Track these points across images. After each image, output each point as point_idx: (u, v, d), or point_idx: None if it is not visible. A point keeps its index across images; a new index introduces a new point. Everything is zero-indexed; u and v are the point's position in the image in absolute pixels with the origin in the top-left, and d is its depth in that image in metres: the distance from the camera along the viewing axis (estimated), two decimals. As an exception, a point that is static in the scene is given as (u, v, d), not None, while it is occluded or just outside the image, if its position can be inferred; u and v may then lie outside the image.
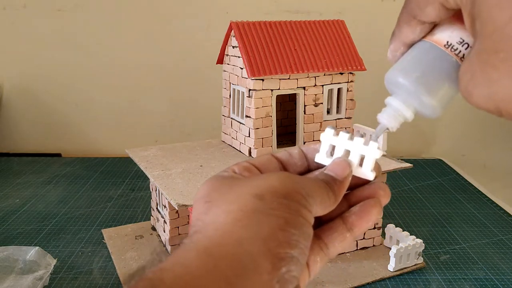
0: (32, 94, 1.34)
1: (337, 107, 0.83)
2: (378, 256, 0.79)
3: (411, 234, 0.78)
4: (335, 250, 0.31)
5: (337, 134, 0.32)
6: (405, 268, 0.75)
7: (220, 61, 0.85)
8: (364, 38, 1.00)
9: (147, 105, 1.35)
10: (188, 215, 0.76)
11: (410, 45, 0.33)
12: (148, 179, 0.75)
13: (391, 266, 0.74)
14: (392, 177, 1.14)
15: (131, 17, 1.28)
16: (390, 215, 0.96)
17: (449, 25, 0.31)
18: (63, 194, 1.06)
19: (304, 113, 0.79)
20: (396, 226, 0.80)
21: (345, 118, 0.83)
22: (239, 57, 0.77)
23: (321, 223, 0.32)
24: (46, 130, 1.37)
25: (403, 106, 0.33)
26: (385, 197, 0.32)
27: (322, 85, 0.80)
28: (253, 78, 0.74)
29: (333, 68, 0.79)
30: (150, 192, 0.87)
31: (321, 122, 0.81)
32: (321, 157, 0.32)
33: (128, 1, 1.27)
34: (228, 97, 0.84)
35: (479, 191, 1.10)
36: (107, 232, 0.87)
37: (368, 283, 0.72)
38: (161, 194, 0.78)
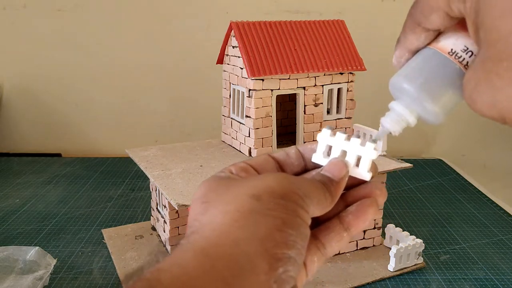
0: (32, 94, 1.34)
1: (337, 107, 0.83)
2: (378, 256, 0.79)
3: (411, 234, 0.78)
4: (332, 250, 0.31)
5: (334, 134, 0.32)
6: (405, 268, 0.75)
7: (220, 61, 0.85)
8: (364, 38, 1.00)
9: (147, 105, 1.35)
10: (188, 215, 0.76)
11: (415, 52, 0.34)
12: (148, 179, 0.75)
13: (391, 266, 0.74)
14: (392, 177, 1.14)
15: (131, 17, 1.28)
16: (390, 215, 0.96)
17: (453, 32, 0.32)
18: (63, 194, 1.06)
19: (304, 113, 0.79)
20: (396, 226, 0.80)
21: (345, 118, 0.83)
22: (239, 57, 0.77)
23: (318, 223, 0.32)
24: (46, 130, 1.37)
25: (406, 111, 0.33)
26: (381, 197, 0.32)
27: (322, 85, 0.80)
28: (253, 78, 0.74)
29: (333, 68, 0.79)
30: (150, 192, 0.87)
31: (321, 122, 0.81)
32: (318, 157, 0.32)
33: (128, 1, 1.27)
34: (228, 97, 0.84)
35: (479, 191, 1.10)
36: (107, 232, 0.87)
37: (368, 283, 0.72)
38: (161, 194, 0.78)
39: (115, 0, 1.27)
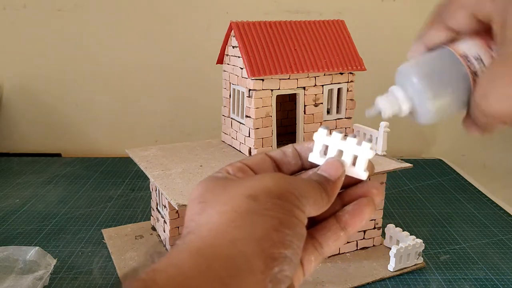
0: (32, 94, 1.34)
1: (337, 107, 0.83)
2: (378, 256, 0.79)
3: (411, 234, 0.78)
4: (329, 249, 0.31)
5: (330, 134, 0.32)
6: (405, 268, 0.75)
7: (220, 61, 0.85)
8: (364, 38, 1.00)
9: (147, 105, 1.35)
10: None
11: (432, 49, 0.35)
12: (148, 179, 0.75)
13: (391, 266, 0.74)
14: (392, 177, 1.14)
15: (131, 17, 1.28)
16: (390, 215, 0.96)
17: (470, 39, 0.33)
18: (63, 194, 1.06)
19: (304, 113, 0.79)
20: (396, 226, 0.80)
21: (345, 118, 0.83)
22: (239, 57, 0.77)
23: (315, 223, 0.32)
24: (46, 130, 1.37)
25: (403, 97, 0.34)
26: (378, 196, 0.32)
27: (322, 85, 0.80)
28: (253, 78, 0.74)
29: (333, 68, 0.79)
30: (150, 192, 0.87)
31: (321, 122, 0.81)
32: (314, 157, 0.32)
33: (128, 1, 1.27)
34: (228, 97, 0.84)
35: (479, 191, 1.10)
36: (107, 232, 0.87)
37: (368, 283, 0.72)
38: (161, 194, 0.78)
39: (115, 0, 1.27)
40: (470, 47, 0.33)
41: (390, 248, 0.74)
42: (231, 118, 0.84)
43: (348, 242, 0.79)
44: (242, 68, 0.77)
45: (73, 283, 0.72)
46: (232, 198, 0.27)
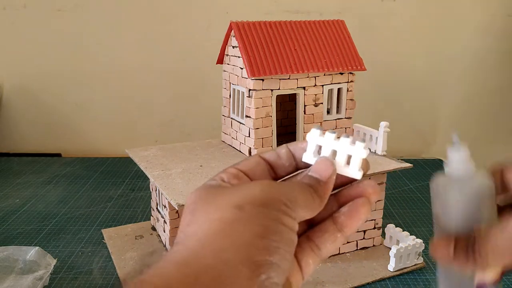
0: (32, 94, 1.34)
1: (337, 107, 0.83)
2: (378, 256, 0.79)
3: (411, 234, 0.78)
4: (327, 251, 0.31)
5: (324, 134, 0.32)
6: (405, 268, 0.75)
7: (220, 61, 0.85)
8: (364, 38, 1.00)
9: (147, 105, 1.35)
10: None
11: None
12: (148, 179, 0.75)
13: (391, 266, 0.74)
14: (392, 177, 1.14)
15: (131, 17, 1.28)
16: (390, 215, 0.96)
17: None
18: (63, 194, 1.06)
19: (304, 113, 0.79)
20: (396, 226, 0.80)
21: (345, 118, 0.83)
22: (239, 57, 0.77)
23: (313, 225, 0.32)
24: (46, 130, 1.37)
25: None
26: (374, 195, 0.32)
27: (322, 85, 0.80)
28: (253, 78, 0.74)
29: (333, 68, 0.79)
30: (150, 192, 0.87)
31: (321, 122, 0.81)
32: (308, 157, 0.32)
33: (128, 1, 1.27)
34: (228, 97, 0.84)
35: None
36: (107, 232, 0.87)
37: (368, 283, 0.72)
38: (161, 194, 0.78)
39: (115, 0, 1.27)
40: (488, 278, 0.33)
41: (390, 248, 0.74)
42: (231, 118, 0.84)
43: (348, 242, 0.79)
44: (242, 68, 0.77)
45: (73, 283, 0.72)
46: (220, 209, 0.27)
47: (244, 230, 0.26)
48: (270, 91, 0.76)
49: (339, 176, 0.32)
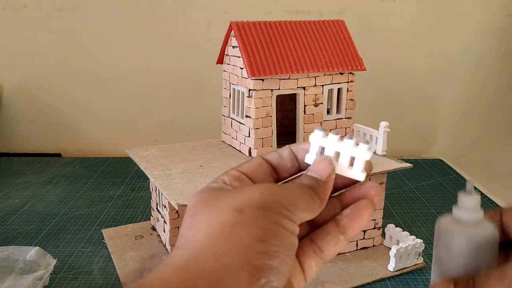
0: (32, 94, 1.34)
1: (337, 107, 0.83)
2: (378, 256, 0.79)
3: (411, 234, 0.78)
4: (329, 254, 0.31)
5: (327, 135, 0.32)
6: (405, 268, 0.75)
7: (220, 61, 0.85)
8: (364, 38, 1.00)
9: (147, 105, 1.35)
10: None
11: None
12: (148, 179, 0.75)
13: (391, 266, 0.74)
14: (392, 177, 1.14)
15: (131, 17, 1.28)
16: (390, 215, 0.96)
17: None
18: (63, 194, 1.06)
19: (304, 113, 0.79)
20: (396, 226, 0.80)
21: (345, 118, 0.83)
22: (239, 57, 0.77)
23: (316, 227, 0.32)
24: (46, 130, 1.37)
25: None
26: (376, 197, 0.32)
27: (322, 85, 0.80)
28: (253, 78, 0.74)
29: (333, 68, 0.79)
30: (150, 192, 0.87)
31: (321, 122, 0.81)
32: (310, 158, 0.32)
33: (128, 1, 1.27)
34: (228, 97, 0.84)
35: (479, 191, 1.10)
36: (107, 232, 0.87)
37: (368, 283, 0.72)
38: (161, 194, 0.78)
39: (115, 0, 1.27)
40: None
41: (390, 248, 0.74)
42: (231, 118, 0.84)
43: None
44: (242, 68, 0.77)
45: (73, 283, 0.72)
46: (220, 212, 0.27)
47: (244, 234, 0.26)
48: (270, 91, 0.76)
49: (341, 177, 0.31)
